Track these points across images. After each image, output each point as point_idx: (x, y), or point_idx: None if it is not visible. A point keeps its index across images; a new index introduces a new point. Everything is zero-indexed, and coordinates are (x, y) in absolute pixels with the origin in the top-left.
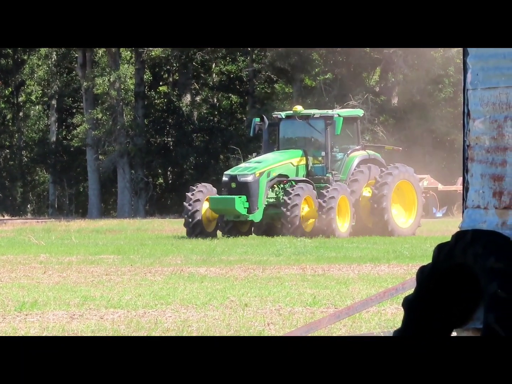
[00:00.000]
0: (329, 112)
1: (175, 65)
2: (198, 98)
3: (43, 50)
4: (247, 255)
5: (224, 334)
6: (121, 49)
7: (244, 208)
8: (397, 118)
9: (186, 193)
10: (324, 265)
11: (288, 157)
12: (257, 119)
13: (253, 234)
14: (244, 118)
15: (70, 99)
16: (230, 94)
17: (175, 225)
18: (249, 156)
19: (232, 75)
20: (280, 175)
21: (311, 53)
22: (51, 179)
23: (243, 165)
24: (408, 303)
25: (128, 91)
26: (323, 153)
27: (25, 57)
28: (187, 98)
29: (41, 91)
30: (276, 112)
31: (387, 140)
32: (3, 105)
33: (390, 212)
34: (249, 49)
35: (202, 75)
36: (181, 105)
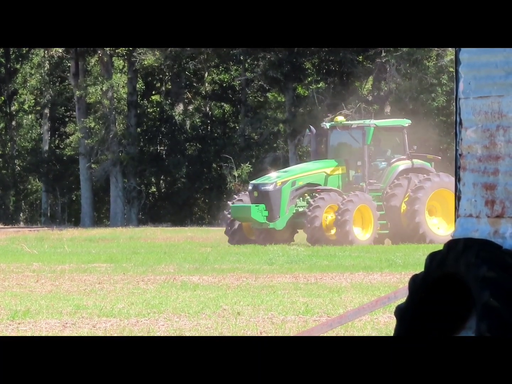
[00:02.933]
0: (366, 121)
1: (167, 74)
2: (190, 107)
3: (35, 59)
4: (240, 263)
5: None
6: (114, 58)
7: (263, 216)
8: None
9: (228, 201)
10: (317, 273)
11: (322, 167)
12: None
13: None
14: (237, 127)
15: (63, 108)
16: (222, 103)
17: (168, 234)
18: (241, 165)
19: (224, 84)
20: (309, 184)
21: (303, 62)
22: (44, 188)
23: (271, 174)
24: (401, 312)
25: (120, 100)
26: (359, 163)
27: (18, 66)
28: (180, 107)
29: (33, 100)
30: (323, 123)
31: None
32: None
33: (423, 214)
34: (241, 58)
35: (194, 84)
36: (173, 114)
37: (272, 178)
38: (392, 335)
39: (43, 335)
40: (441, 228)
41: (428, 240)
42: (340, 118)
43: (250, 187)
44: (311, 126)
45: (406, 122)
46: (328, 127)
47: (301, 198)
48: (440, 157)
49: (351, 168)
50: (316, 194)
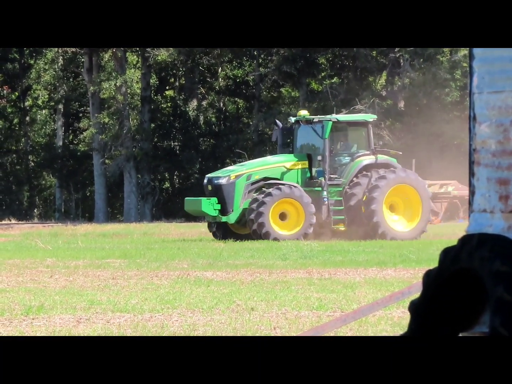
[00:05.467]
0: (327, 116)
1: (181, 69)
2: (204, 103)
3: (49, 55)
4: (254, 259)
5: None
6: (128, 53)
7: (215, 210)
8: (404, 122)
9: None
10: (331, 269)
11: (281, 161)
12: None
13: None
14: (251, 123)
15: (77, 103)
16: (236, 99)
17: (182, 229)
18: None
19: (238, 80)
20: (266, 178)
21: (317, 57)
22: (58, 184)
23: (228, 168)
24: (415, 307)
25: (134, 95)
26: (319, 157)
27: (32, 62)
28: (194, 102)
29: (47, 96)
30: (290, 117)
31: (393, 144)
32: (9, 110)
33: (381, 214)
34: (255, 53)
35: (208, 79)
36: (187, 109)
37: (227, 172)
38: (406, 330)
39: (57, 330)
40: (402, 225)
41: (389, 237)
42: (303, 113)
43: (205, 181)
44: (277, 121)
45: (371, 117)
46: (293, 122)
47: (257, 192)
48: (401, 153)
49: (314, 163)
50: (264, 189)
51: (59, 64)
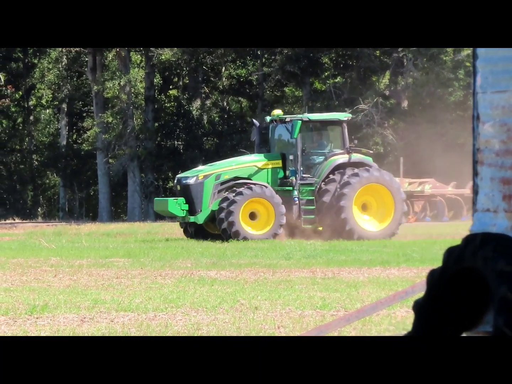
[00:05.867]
0: (298, 116)
1: (185, 68)
2: (208, 102)
3: (53, 54)
4: (257, 258)
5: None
6: (131, 53)
7: (182, 210)
8: (407, 122)
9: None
10: (334, 268)
11: (253, 160)
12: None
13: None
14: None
15: (81, 102)
16: (240, 98)
17: None
18: None
19: (242, 79)
20: (237, 178)
21: (320, 57)
22: (62, 183)
23: (197, 168)
24: (418, 306)
25: (138, 94)
26: (291, 157)
27: (36, 61)
28: (197, 102)
29: (51, 95)
30: (266, 116)
31: (396, 143)
32: (13, 109)
33: (350, 210)
34: (258, 52)
35: (212, 79)
36: (191, 108)
37: (195, 172)
38: (409, 329)
39: (61, 329)
40: (372, 225)
41: (356, 236)
42: (277, 112)
43: (175, 181)
44: (254, 120)
45: (344, 116)
46: (268, 121)
47: (227, 192)
48: (372, 151)
49: (287, 162)
50: (235, 189)
51: (63, 63)
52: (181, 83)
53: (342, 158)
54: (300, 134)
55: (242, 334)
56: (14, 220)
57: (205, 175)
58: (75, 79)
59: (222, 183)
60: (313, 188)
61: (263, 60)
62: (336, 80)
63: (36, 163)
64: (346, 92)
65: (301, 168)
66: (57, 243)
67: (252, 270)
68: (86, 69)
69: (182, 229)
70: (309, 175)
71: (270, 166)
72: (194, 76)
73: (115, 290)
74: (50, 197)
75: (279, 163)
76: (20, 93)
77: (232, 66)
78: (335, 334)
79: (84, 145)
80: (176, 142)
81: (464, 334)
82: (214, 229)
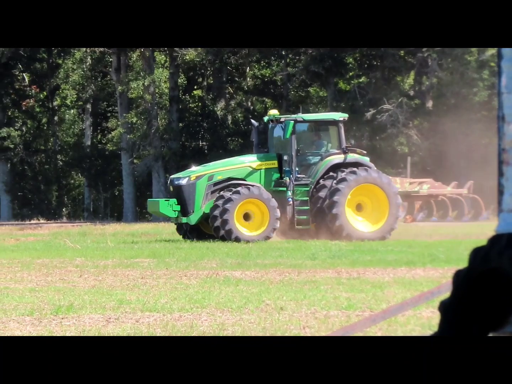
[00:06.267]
0: (292, 116)
1: (209, 69)
2: (232, 102)
3: (77, 54)
4: (282, 258)
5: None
6: (155, 53)
7: (174, 211)
8: (432, 122)
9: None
10: (359, 268)
11: (248, 161)
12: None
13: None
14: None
15: (105, 103)
16: (264, 98)
17: None
18: None
19: (266, 79)
20: (231, 178)
21: (345, 57)
22: (86, 183)
23: (191, 168)
24: (444, 307)
25: (162, 95)
26: (285, 157)
27: (60, 61)
28: (222, 102)
29: (76, 95)
30: (265, 116)
31: (421, 143)
32: (38, 109)
33: (342, 206)
34: (283, 52)
35: (236, 79)
36: (215, 109)
37: (187, 173)
38: (435, 330)
39: (86, 330)
40: (366, 226)
41: (345, 233)
42: (273, 112)
43: (169, 182)
44: (252, 120)
45: (340, 116)
46: (266, 121)
47: (223, 191)
48: (365, 152)
49: (283, 163)
50: (231, 189)
51: (87, 63)
52: (205, 83)
53: (338, 158)
54: (295, 135)
55: (267, 335)
56: (39, 220)
57: (198, 176)
58: (99, 79)
59: (215, 184)
60: (308, 188)
61: (288, 60)
62: (361, 80)
63: (61, 163)
64: (371, 92)
65: (296, 169)
66: (82, 243)
67: (277, 270)
68: (110, 70)
69: (180, 231)
70: (304, 176)
71: (264, 167)
72: (218, 76)
73: (140, 291)
74: (74, 197)
75: (275, 163)
76: (45, 93)
77: (256, 66)
78: (361, 334)
79: (108, 145)
80: (200, 143)
81: (490, 335)
82: (210, 229)
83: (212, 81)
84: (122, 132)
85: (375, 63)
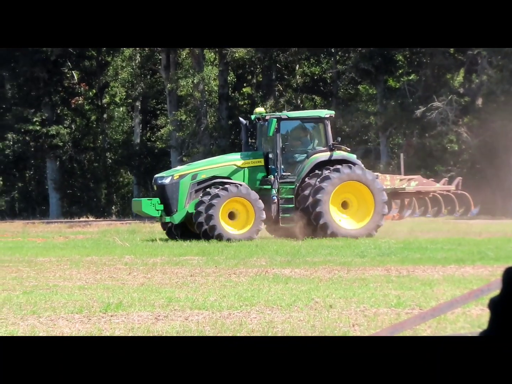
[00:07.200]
0: (276, 114)
1: (258, 66)
2: (281, 100)
3: (127, 52)
4: (332, 256)
5: (309, 335)
6: (205, 50)
7: (156, 210)
8: (481, 119)
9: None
10: (409, 266)
11: (233, 159)
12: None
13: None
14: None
15: (154, 100)
16: (313, 96)
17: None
18: None
19: (315, 77)
20: (215, 177)
21: (394, 54)
22: (135, 181)
23: (174, 168)
24: (494, 304)
25: (211, 92)
26: (271, 155)
27: (109, 59)
28: (271, 99)
29: (125, 93)
30: (253, 114)
31: (471, 141)
32: (87, 107)
33: (326, 205)
34: (332, 50)
35: (285, 76)
36: (264, 106)
37: (171, 172)
38: (485, 328)
39: (135, 327)
40: (350, 224)
41: (330, 231)
42: (259, 110)
43: (153, 181)
44: (240, 118)
45: (326, 113)
46: (252, 119)
47: (204, 191)
48: (349, 149)
49: (270, 160)
50: (218, 186)
51: (137, 61)
52: (254, 80)
53: (323, 156)
54: (279, 133)
55: (317, 332)
56: (88, 218)
57: (181, 175)
58: (148, 77)
59: (199, 183)
60: (293, 186)
61: (337, 57)
62: (410, 78)
63: (110, 161)
64: (420, 89)
65: (282, 166)
66: (131, 241)
67: (327, 268)
68: (159, 67)
69: (165, 229)
70: (290, 174)
71: (249, 165)
72: (267, 74)
73: (189, 288)
74: (124, 195)
75: (261, 161)
76: (94, 91)
77: (306, 64)
78: (410, 332)
79: (157, 143)
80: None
81: None
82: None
83: (261, 79)
84: (171, 129)
85: (424, 60)
